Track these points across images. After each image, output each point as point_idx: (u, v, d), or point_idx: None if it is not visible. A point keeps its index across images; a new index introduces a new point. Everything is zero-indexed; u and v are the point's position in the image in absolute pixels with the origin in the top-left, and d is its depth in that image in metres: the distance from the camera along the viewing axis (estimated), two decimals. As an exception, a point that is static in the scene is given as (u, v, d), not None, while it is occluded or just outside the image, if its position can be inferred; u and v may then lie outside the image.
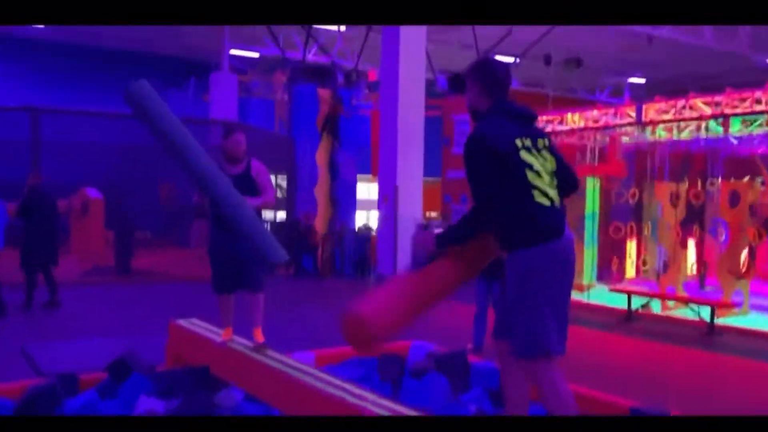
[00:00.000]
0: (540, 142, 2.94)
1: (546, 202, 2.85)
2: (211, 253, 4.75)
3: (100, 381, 4.95)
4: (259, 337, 4.59)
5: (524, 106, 3.03)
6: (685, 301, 9.08)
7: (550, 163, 2.95)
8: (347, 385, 3.77)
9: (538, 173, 2.84)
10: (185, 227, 17.47)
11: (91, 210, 15.29)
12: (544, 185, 2.85)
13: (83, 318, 8.86)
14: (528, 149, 2.86)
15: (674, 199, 10.93)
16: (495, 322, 3.18)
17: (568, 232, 2.94)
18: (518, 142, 2.84)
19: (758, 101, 11.03)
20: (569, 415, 2.79)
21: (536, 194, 2.82)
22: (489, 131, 2.88)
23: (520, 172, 2.81)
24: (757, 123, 12.67)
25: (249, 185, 4.53)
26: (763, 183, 10.53)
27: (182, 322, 5.44)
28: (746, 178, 10.71)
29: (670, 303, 9.82)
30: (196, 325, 5.35)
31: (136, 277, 12.66)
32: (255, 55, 20.86)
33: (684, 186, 11.20)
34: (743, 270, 9.52)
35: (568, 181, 3.06)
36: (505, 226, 2.87)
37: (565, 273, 2.92)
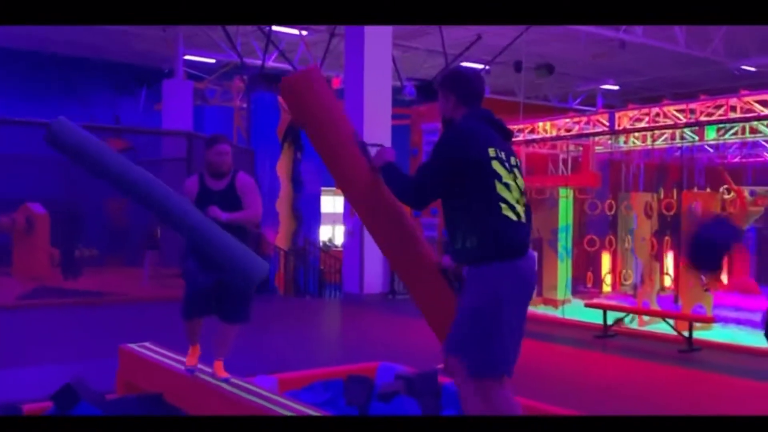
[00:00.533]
0: (513, 159, 2.98)
1: (513, 217, 2.85)
2: (186, 277, 4.50)
3: (45, 411, 4.84)
4: (221, 371, 4.38)
5: (502, 121, 3.09)
6: (661, 316, 9.22)
7: (520, 182, 2.98)
8: (312, 412, 3.74)
9: (507, 186, 2.85)
10: (135, 246, 17.23)
11: (36, 227, 14.99)
12: (513, 200, 2.86)
13: (26, 343, 8.66)
14: (501, 161, 2.87)
15: (649, 210, 11.14)
16: (449, 337, 3.14)
17: (530, 251, 2.98)
18: (491, 151, 2.85)
19: (733, 108, 11.31)
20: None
21: (504, 207, 2.82)
22: (467, 131, 2.90)
23: (489, 182, 2.82)
24: (732, 130, 13.00)
25: (233, 202, 4.35)
26: (729, 192, 10.79)
27: (134, 346, 5.36)
28: (722, 188, 10.97)
29: (645, 318, 9.98)
30: (148, 349, 5.27)
31: (83, 298, 12.43)
32: (211, 60, 20.76)
33: (657, 197, 11.44)
34: (707, 283, 9.75)
35: (527, 205, 3.10)
36: (470, 238, 2.87)
37: (526, 293, 2.97)
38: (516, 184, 2.93)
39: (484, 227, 2.82)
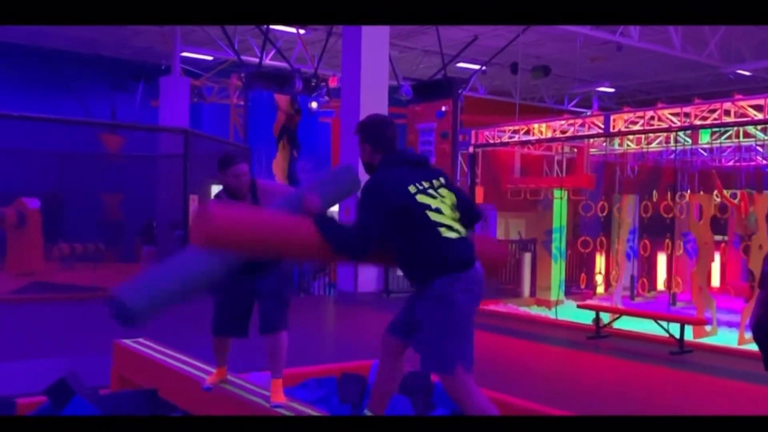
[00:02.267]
0: (436, 183, 3.24)
1: (454, 236, 3.13)
2: (216, 291, 4.18)
3: (38, 405, 4.84)
4: (276, 394, 3.85)
5: (415, 153, 3.30)
6: (653, 318, 9.25)
7: (449, 199, 3.23)
8: (306, 409, 3.76)
9: (438, 211, 3.12)
10: (130, 241, 17.21)
11: (28, 222, 14.94)
12: (448, 220, 3.13)
13: (20, 337, 8.65)
14: (424, 191, 3.14)
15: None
16: (395, 320, 3.42)
17: (478, 265, 3.21)
18: (411, 189, 3.11)
19: (727, 113, 11.36)
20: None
21: (443, 230, 3.09)
22: (385, 182, 3.15)
23: (421, 215, 3.08)
24: (726, 135, 13.05)
25: None
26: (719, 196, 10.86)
27: (128, 341, 5.36)
28: (715, 193, 11.02)
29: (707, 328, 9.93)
30: (143, 345, 5.28)
31: (77, 293, 12.41)
32: (208, 58, 20.73)
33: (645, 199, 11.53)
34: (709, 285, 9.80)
35: (470, 212, 3.38)
36: (418, 265, 3.14)
37: (474, 301, 3.19)
38: (446, 204, 3.19)
39: (431, 252, 3.08)
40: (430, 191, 3.16)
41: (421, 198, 3.10)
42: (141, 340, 5.42)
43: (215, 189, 18.22)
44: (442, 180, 3.28)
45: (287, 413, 3.58)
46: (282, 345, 3.91)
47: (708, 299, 9.78)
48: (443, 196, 3.20)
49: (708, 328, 9.43)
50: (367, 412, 3.44)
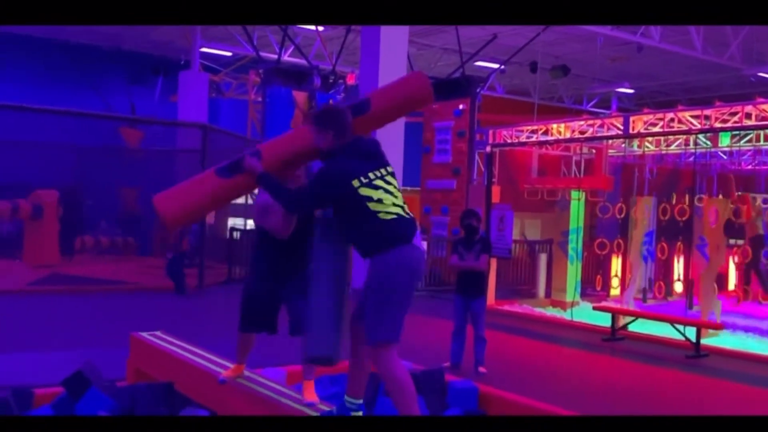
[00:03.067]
0: (383, 171, 3.54)
1: (392, 217, 3.42)
2: (245, 288, 4.26)
3: (56, 396, 4.91)
4: (308, 393, 3.94)
5: (367, 141, 3.64)
6: (671, 322, 9.20)
7: (394, 188, 3.54)
8: (320, 405, 3.78)
9: (380, 201, 3.41)
10: (147, 235, 17.33)
11: (45, 214, 15.07)
12: (388, 206, 3.43)
13: (38, 328, 8.76)
14: (368, 184, 3.44)
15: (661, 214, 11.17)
16: (356, 308, 3.60)
17: (420, 244, 3.50)
18: (355, 183, 3.42)
19: (748, 116, 11.26)
20: (406, 397, 3.33)
21: (381, 215, 3.39)
22: (334, 173, 3.49)
23: (361, 206, 3.40)
24: (747, 138, 12.94)
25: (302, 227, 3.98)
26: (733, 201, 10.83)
27: (145, 334, 5.42)
28: (737, 195, 10.95)
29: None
30: (159, 338, 5.33)
31: (96, 286, 12.54)
32: (227, 53, 20.83)
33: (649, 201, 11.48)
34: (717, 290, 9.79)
35: None
36: (359, 241, 3.47)
37: (412, 277, 3.43)
38: (388, 194, 3.47)
39: (369, 233, 3.40)
40: (376, 182, 3.45)
41: (363, 191, 3.41)
42: (158, 333, 5.47)
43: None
44: (390, 169, 3.59)
45: (314, 413, 3.62)
46: None
47: (714, 302, 9.75)
48: (389, 183, 3.51)
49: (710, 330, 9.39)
50: (347, 398, 3.59)
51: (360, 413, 3.53)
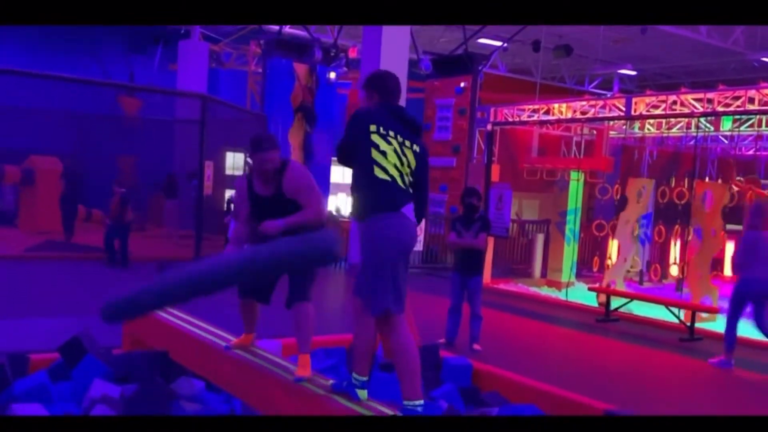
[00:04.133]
0: (408, 143, 3.51)
1: (387, 178, 3.39)
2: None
3: (52, 362, 4.93)
4: (302, 367, 3.82)
5: (410, 114, 3.61)
6: (666, 305, 9.24)
7: (409, 160, 3.49)
8: (314, 376, 3.80)
9: (384, 153, 3.39)
10: (145, 205, 17.30)
11: (39, 180, 15.00)
12: (389, 165, 3.40)
13: (34, 295, 8.78)
14: (384, 136, 3.42)
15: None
16: (357, 281, 3.58)
17: (411, 215, 3.46)
18: (372, 127, 3.41)
19: (751, 100, 11.24)
20: (410, 369, 3.26)
21: (377, 170, 3.38)
22: (361, 113, 3.52)
23: (367, 152, 3.39)
24: (749, 123, 12.92)
25: (286, 205, 3.96)
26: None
27: (141, 303, 5.41)
28: (738, 179, 10.94)
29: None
30: (156, 307, 5.33)
31: (92, 253, 12.54)
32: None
33: (650, 183, 11.43)
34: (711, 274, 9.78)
35: (419, 188, 3.58)
36: (358, 201, 3.45)
37: (399, 246, 3.39)
38: (396, 155, 3.43)
39: (365, 187, 3.41)
40: (390, 139, 3.43)
41: (375, 137, 3.40)
42: (154, 302, 5.47)
43: (230, 156, 18.29)
44: (417, 148, 3.54)
45: (311, 387, 3.62)
46: (307, 317, 3.92)
47: (709, 287, 9.77)
48: (404, 153, 3.47)
49: (705, 315, 9.42)
50: (354, 376, 3.53)
51: (365, 391, 3.49)
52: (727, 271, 13.36)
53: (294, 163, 4.12)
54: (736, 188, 10.84)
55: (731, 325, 7.33)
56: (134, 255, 12.75)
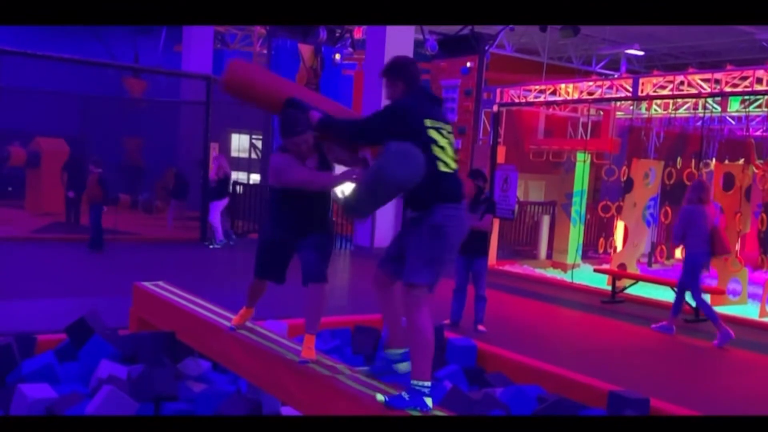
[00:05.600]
0: (446, 126, 3.58)
1: (450, 171, 3.48)
2: (261, 236, 4.40)
3: (59, 343, 4.97)
4: (306, 349, 3.83)
5: (433, 93, 3.71)
6: (671, 286, 9.23)
7: (451, 141, 3.60)
8: (319, 357, 3.82)
9: (442, 148, 3.47)
10: (150, 186, 17.33)
11: (43, 162, 15.03)
12: (447, 158, 3.49)
13: (40, 276, 8.83)
14: (437, 129, 3.49)
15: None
16: (385, 255, 3.69)
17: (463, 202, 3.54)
18: (428, 122, 3.47)
19: (759, 80, 11.15)
20: (423, 350, 3.27)
21: (440, 165, 3.44)
22: (411, 107, 3.51)
23: (428, 148, 3.41)
24: (757, 103, 12.82)
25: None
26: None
27: (147, 284, 5.46)
28: (741, 161, 10.85)
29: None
30: (162, 288, 5.37)
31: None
32: (233, 4, 20.54)
33: (659, 165, 11.33)
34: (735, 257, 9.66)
35: None
36: (419, 189, 3.40)
37: (462, 233, 3.48)
38: (449, 142, 3.53)
39: (431, 181, 3.39)
40: (441, 131, 3.50)
41: (431, 133, 3.45)
42: (160, 283, 5.51)
43: (235, 137, 18.27)
44: (449, 128, 3.63)
45: (317, 368, 3.65)
46: (321, 297, 3.96)
47: (739, 269, 9.62)
48: (448, 139, 3.56)
49: (732, 297, 9.37)
50: (388, 350, 3.67)
51: (406, 363, 3.55)
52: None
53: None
54: (756, 170, 10.72)
55: (697, 296, 7.84)
56: (139, 236, 12.80)
